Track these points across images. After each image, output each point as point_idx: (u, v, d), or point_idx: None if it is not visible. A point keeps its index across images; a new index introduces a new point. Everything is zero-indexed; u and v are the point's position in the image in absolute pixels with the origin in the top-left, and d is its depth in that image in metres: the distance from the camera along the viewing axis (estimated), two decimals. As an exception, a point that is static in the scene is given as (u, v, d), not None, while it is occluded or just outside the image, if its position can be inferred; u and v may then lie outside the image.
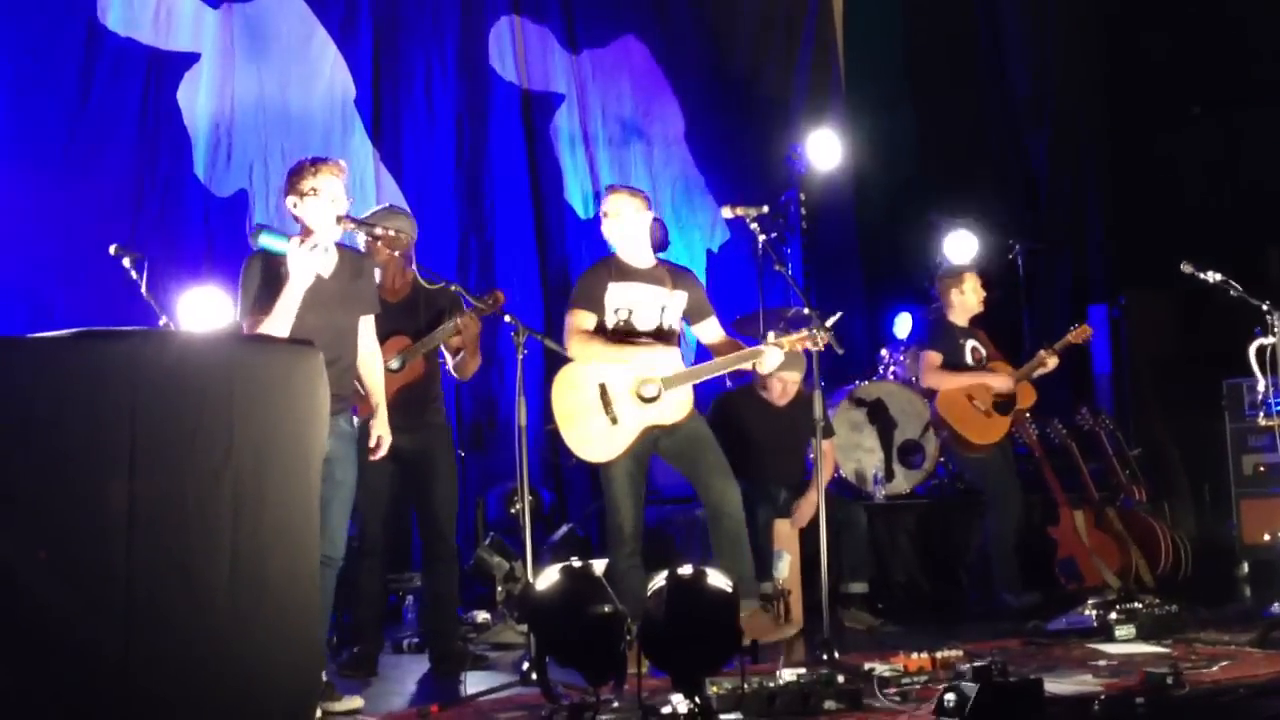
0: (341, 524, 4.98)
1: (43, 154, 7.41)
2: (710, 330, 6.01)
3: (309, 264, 4.75)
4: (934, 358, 7.21)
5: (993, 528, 7.06)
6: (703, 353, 6.29)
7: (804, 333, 5.63)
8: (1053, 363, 7.19)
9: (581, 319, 5.76)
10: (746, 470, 6.97)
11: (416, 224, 6.01)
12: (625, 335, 5.75)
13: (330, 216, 4.91)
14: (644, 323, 5.80)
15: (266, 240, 4.80)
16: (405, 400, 5.69)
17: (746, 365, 5.84)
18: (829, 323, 5.66)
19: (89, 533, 3.59)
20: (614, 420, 5.65)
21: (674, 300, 5.87)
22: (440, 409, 5.95)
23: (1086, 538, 7.22)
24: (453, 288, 5.56)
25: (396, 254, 5.72)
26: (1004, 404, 7.14)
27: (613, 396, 5.66)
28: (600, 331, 5.74)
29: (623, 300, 5.78)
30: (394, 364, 5.66)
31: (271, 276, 4.81)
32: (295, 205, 4.93)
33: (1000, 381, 7.14)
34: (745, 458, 7.00)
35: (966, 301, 7.30)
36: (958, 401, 7.13)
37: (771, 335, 5.74)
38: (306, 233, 4.91)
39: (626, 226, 5.85)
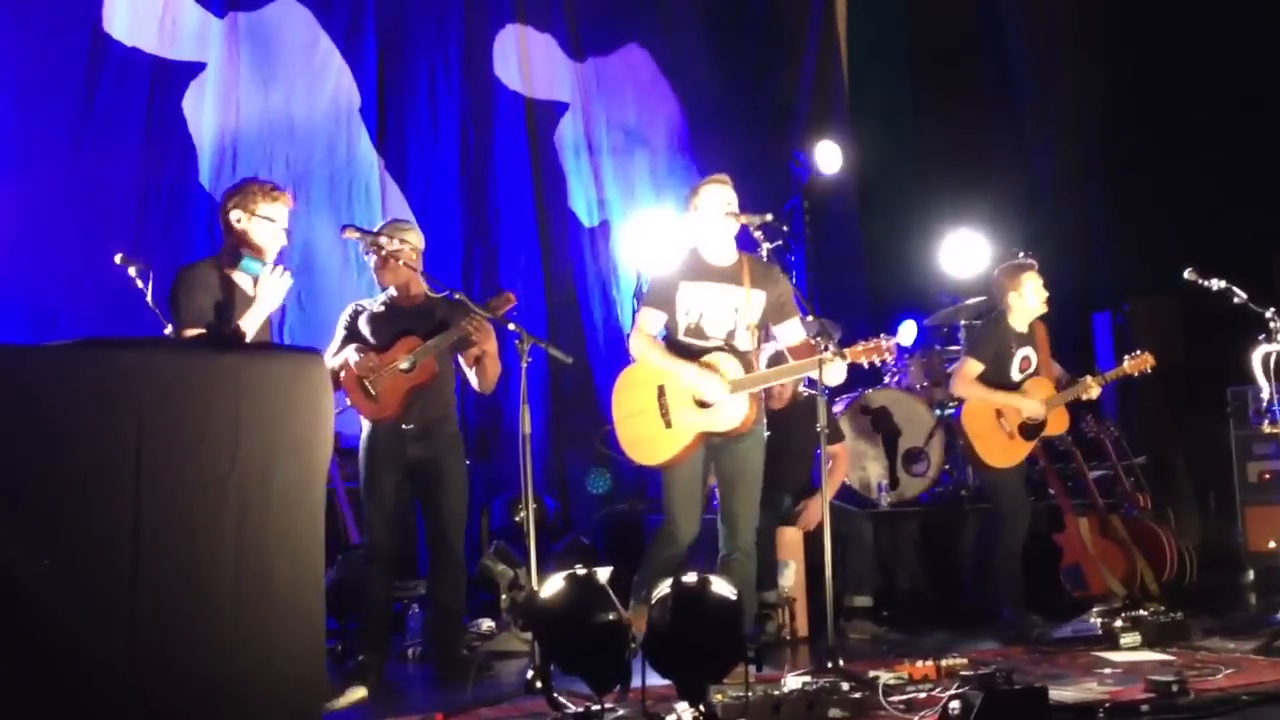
0: None
1: (48, 162, 7.43)
2: (790, 333, 5.74)
3: (281, 289, 4.92)
4: (972, 367, 6.80)
5: (1001, 545, 6.83)
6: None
7: (872, 343, 5.45)
8: (1095, 391, 6.84)
9: (647, 319, 5.64)
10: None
11: (422, 234, 6.04)
12: (693, 340, 5.58)
13: (278, 245, 5.09)
14: (714, 327, 5.61)
15: (247, 264, 4.97)
16: (417, 403, 5.70)
17: (810, 375, 5.65)
18: (896, 339, 5.53)
19: (94, 541, 3.60)
20: (668, 424, 5.53)
21: (750, 302, 5.62)
22: (452, 417, 5.93)
23: (1091, 545, 7.21)
24: (457, 295, 5.57)
25: (403, 264, 5.73)
26: (1032, 428, 6.80)
27: (670, 400, 5.54)
28: (671, 333, 5.61)
29: (694, 302, 5.60)
30: (404, 364, 5.65)
31: (226, 293, 4.95)
32: (240, 220, 5.05)
33: (1029, 405, 6.73)
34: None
35: (1026, 304, 6.87)
36: (984, 416, 6.80)
37: (832, 347, 5.44)
38: (245, 245, 5.05)
39: (711, 218, 5.64)
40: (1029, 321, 6.94)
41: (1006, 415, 6.80)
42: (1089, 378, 6.86)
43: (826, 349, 5.40)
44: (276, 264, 5.07)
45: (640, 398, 5.59)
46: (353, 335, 5.79)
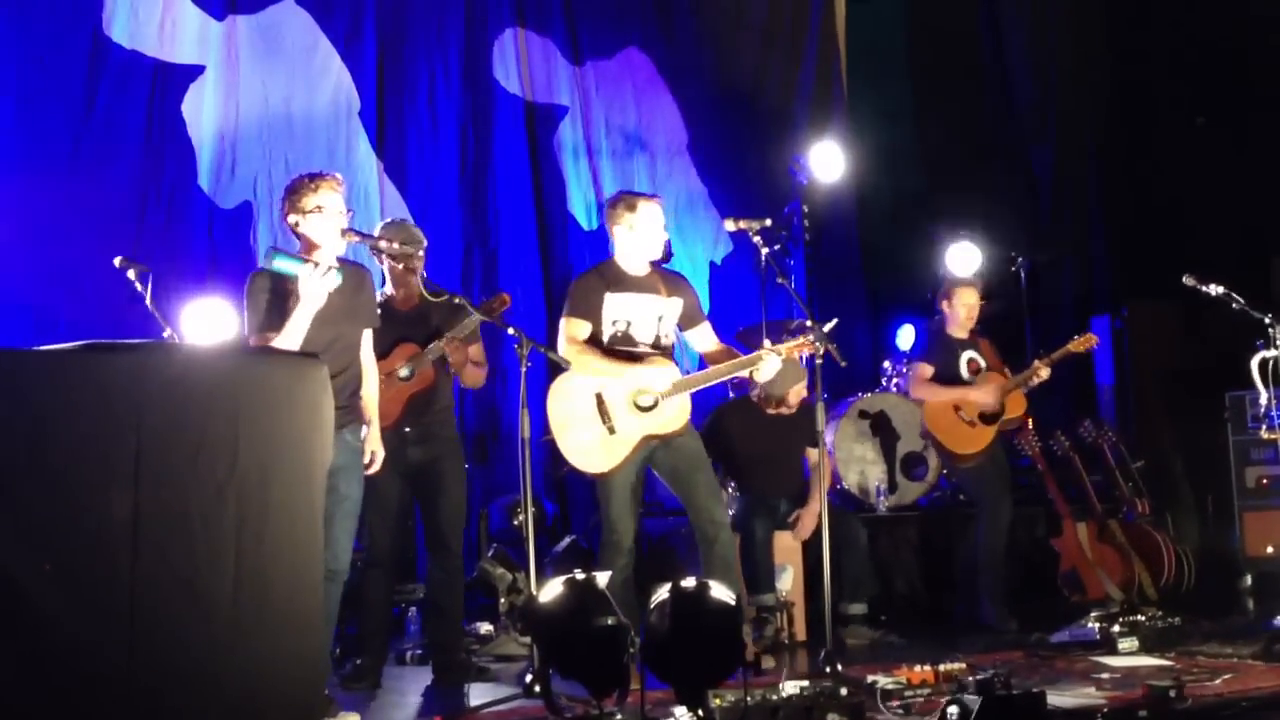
0: (345, 537, 4.97)
1: (48, 165, 7.43)
2: (703, 337, 5.94)
3: (322, 288, 4.76)
4: (923, 370, 7.21)
5: (982, 539, 7.04)
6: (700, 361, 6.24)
7: (801, 339, 5.61)
8: (1045, 374, 7.06)
9: (575, 328, 5.67)
10: (745, 482, 6.98)
11: (425, 237, 6.03)
12: (623, 348, 5.67)
13: (336, 231, 4.96)
14: (641, 334, 5.71)
15: (281, 264, 4.81)
16: (416, 409, 5.74)
17: (744, 373, 5.79)
18: (826, 328, 5.63)
19: (93, 545, 3.60)
20: (611, 430, 5.57)
21: (670, 308, 5.78)
22: (451, 420, 5.98)
23: (1089, 550, 7.22)
24: (456, 299, 5.56)
25: (401, 266, 5.72)
26: (991, 415, 7.10)
27: (610, 406, 5.58)
28: (596, 343, 5.65)
29: (620, 311, 5.69)
30: (404, 372, 5.69)
31: (280, 294, 4.83)
32: (298, 224, 4.96)
33: (983, 395, 7.07)
34: (743, 470, 7.02)
35: (956, 315, 7.24)
36: (943, 412, 7.13)
37: (768, 343, 5.70)
38: (310, 248, 4.95)
39: (646, 237, 5.75)
40: (967, 331, 7.29)
41: (964, 407, 7.10)
42: (1037, 361, 7.12)
43: (825, 354, 5.50)
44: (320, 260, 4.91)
45: (579, 406, 5.62)
46: None
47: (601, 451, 5.60)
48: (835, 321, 5.83)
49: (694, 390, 5.75)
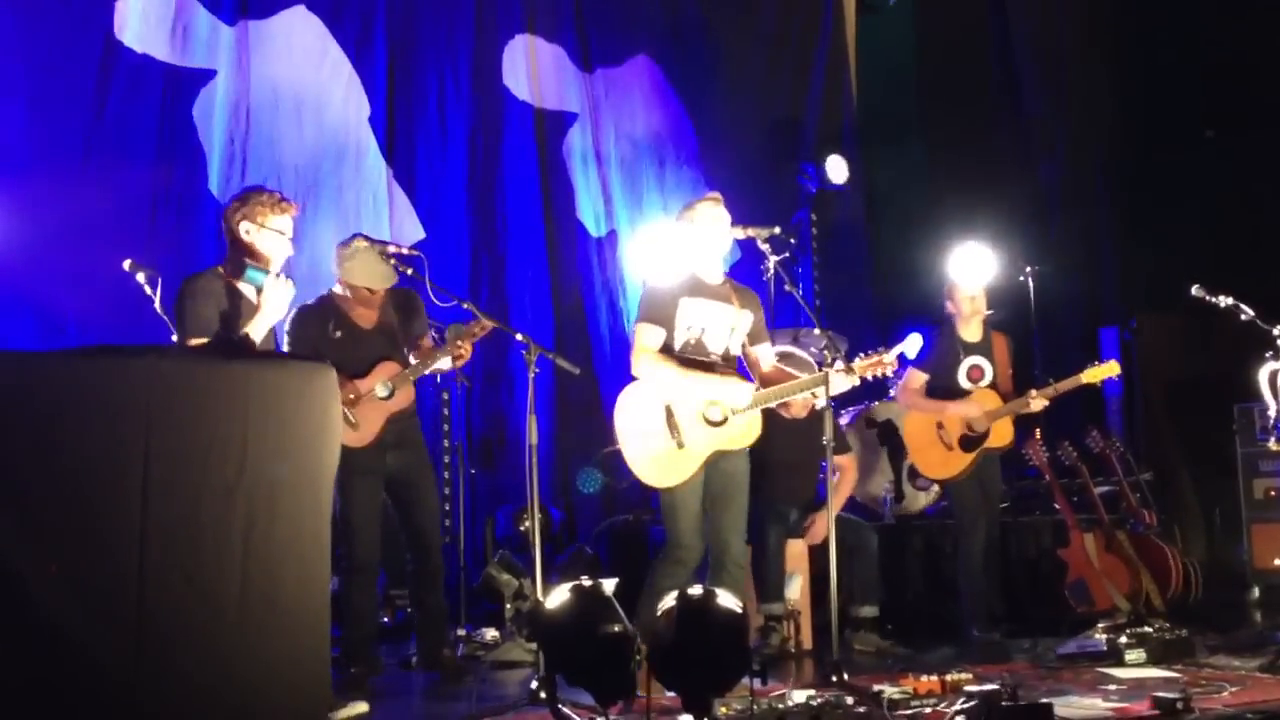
0: None
1: (58, 168, 7.43)
2: (765, 355, 5.83)
3: (284, 298, 4.95)
4: (914, 377, 7.07)
5: (960, 559, 7.04)
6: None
7: (873, 358, 5.49)
8: (1038, 405, 6.90)
9: (648, 334, 5.53)
10: (758, 490, 6.96)
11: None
12: (695, 356, 5.55)
13: (285, 255, 5.13)
14: (714, 343, 5.59)
15: (250, 274, 4.98)
16: (394, 423, 5.72)
17: (809, 392, 5.63)
18: (895, 352, 5.55)
19: (102, 548, 3.61)
20: (680, 444, 5.44)
21: (741, 321, 5.67)
22: (417, 421, 5.97)
23: (1096, 561, 7.20)
24: (465, 305, 5.53)
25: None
26: (972, 439, 6.98)
27: (679, 419, 5.45)
28: (668, 350, 5.53)
29: (695, 318, 5.56)
30: (382, 391, 5.62)
31: (231, 302, 5.00)
32: (249, 232, 5.07)
33: (966, 409, 6.92)
34: (756, 477, 7.00)
35: (960, 311, 7.15)
36: (925, 427, 7.03)
37: (839, 363, 5.49)
38: (256, 258, 5.06)
39: (710, 237, 5.64)
40: (978, 331, 7.14)
41: (948, 426, 6.99)
42: (1032, 390, 6.95)
43: (834, 362, 5.46)
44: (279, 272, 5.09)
45: (647, 418, 5.49)
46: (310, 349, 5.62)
47: (669, 465, 5.46)
48: (909, 341, 5.81)
49: (764, 406, 5.60)
